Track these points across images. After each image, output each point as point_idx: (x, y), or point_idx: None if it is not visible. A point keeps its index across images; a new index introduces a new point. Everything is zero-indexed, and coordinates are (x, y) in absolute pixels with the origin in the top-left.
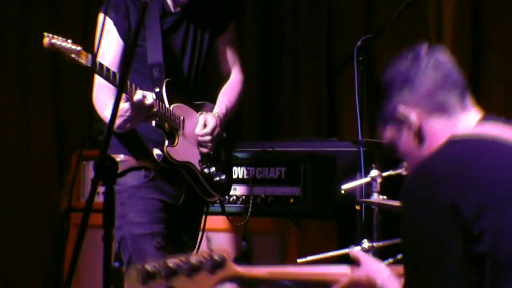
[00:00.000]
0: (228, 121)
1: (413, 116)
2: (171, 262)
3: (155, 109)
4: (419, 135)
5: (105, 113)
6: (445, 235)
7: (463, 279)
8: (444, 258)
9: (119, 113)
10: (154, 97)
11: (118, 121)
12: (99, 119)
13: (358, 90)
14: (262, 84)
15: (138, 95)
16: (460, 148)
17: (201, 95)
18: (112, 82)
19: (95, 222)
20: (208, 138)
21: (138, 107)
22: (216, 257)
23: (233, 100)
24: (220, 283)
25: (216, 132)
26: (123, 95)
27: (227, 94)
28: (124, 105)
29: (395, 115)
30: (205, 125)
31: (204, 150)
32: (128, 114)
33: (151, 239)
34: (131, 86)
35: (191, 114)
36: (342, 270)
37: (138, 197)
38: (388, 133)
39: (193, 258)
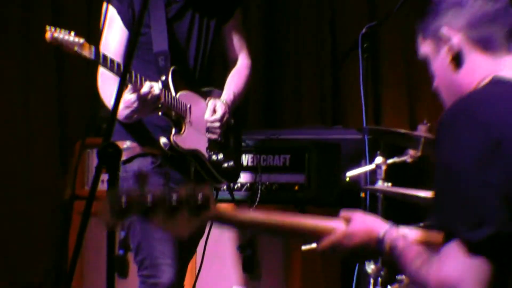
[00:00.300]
0: (236, 107)
1: (456, 39)
2: (150, 197)
3: (162, 100)
4: (457, 60)
5: (112, 102)
6: (487, 165)
7: (502, 213)
8: (485, 186)
9: (126, 104)
10: (161, 86)
11: (125, 112)
12: (103, 106)
13: (362, 77)
14: (266, 72)
15: (145, 87)
16: (506, 89)
17: (207, 82)
18: (116, 73)
19: None
20: (217, 124)
21: (145, 99)
22: (199, 196)
23: (240, 86)
24: (201, 225)
25: (225, 118)
26: (130, 86)
27: (235, 80)
28: (131, 97)
29: (437, 33)
30: (214, 111)
31: (213, 136)
32: (135, 105)
33: None
34: (138, 77)
35: (198, 101)
36: (335, 224)
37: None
38: (425, 48)
39: (174, 195)
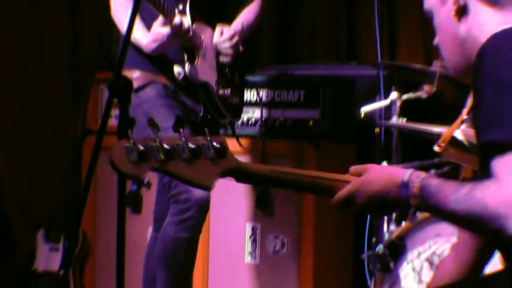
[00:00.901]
0: (245, 40)
1: None
2: (167, 143)
3: (190, 34)
4: (463, 13)
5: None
6: None
7: None
8: None
9: (155, 37)
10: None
11: (153, 46)
12: (116, 40)
13: (377, 12)
14: (281, 7)
15: (177, 19)
16: None
17: (221, 16)
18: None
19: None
20: (227, 44)
21: (177, 32)
22: (217, 144)
23: (250, 19)
24: (221, 176)
25: (235, 40)
26: (161, 19)
27: (244, 14)
28: (161, 30)
29: None
30: (221, 34)
31: (225, 59)
32: (165, 39)
33: None
34: (168, 9)
35: (210, 34)
36: (352, 177)
37: (160, 105)
38: (431, 1)
39: (192, 142)
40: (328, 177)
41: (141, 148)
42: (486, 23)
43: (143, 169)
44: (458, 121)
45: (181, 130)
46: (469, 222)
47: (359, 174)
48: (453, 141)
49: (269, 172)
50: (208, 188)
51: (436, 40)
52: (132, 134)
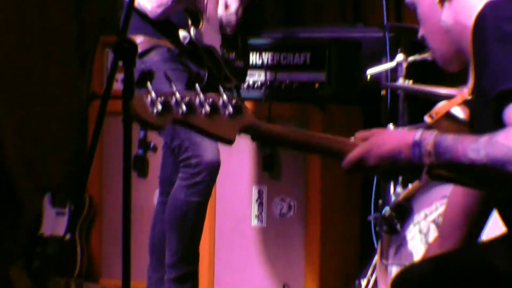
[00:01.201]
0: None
1: None
2: (187, 97)
3: None
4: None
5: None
6: None
7: None
8: None
9: (159, 2)
10: None
11: (158, 11)
12: (121, 6)
13: None
14: None
15: None
16: None
17: None
18: None
19: (118, 108)
20: (233, 18)
21: None
22: (234, 101)
23: None
24: (240, 131)
25: (240, 12)
26: None
27: None
28: None
29: None
30: (226, 6)
31: (228, 30)
32: (170, 3)
33: None
34: None
35: None
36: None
37: (167, 69)
38: None
39: (210, 97)
40: (338, 140)
41: (163, 100)
42: (471, 5)
43: (166, 120)
44: (458, 98)
45: (196, 86)
46: (491, 170)
47: (366, 139)
48: (448, 115)
49: (283, 132)
50: (230, 141)
51: (421, 33)
52: (151, 87)
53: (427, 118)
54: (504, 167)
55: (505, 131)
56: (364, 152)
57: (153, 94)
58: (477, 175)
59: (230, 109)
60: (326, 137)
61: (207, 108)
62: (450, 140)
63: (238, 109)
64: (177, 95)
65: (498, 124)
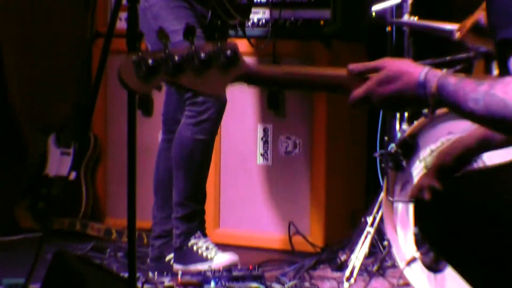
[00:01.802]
0: None
1: None
2: (176, 55)
3: None
4: None
5: None
6: None
7: None
8: None
9: None
10: None
11: None
12: None
13: None
14: None
15: None
16: None
17: None
18: None
19: (122, 47)
20: None
21: None
22: (227, 51)
23: None
24: (232, 83)
25: None
26: None
27: None
28: None
29: None
30: None
31: None
32: None
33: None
34: None
35: None
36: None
37: (169, 8)
38: None
39: (201, 51)
40: (341, 75)
41: (150, 61)
42: None
43: (153, 84)
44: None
45: (191, 38)
46: (489, 120)
47: (375, 70)
48: (474, 27)
49: (281, 74)
50: (220, 97)
51: None
52: (140, 46)
53: (456, 33)
54: (503, 120)
55: (504, 81)
56: (369, 90)
57: (139, 54)
58: (478, 122)
59: (223, 60)
60: (329, 73)
61: (197, 63)
62: (452, 84)
63: (232, 59)
64: (167, 53)
65: (500, 65)
